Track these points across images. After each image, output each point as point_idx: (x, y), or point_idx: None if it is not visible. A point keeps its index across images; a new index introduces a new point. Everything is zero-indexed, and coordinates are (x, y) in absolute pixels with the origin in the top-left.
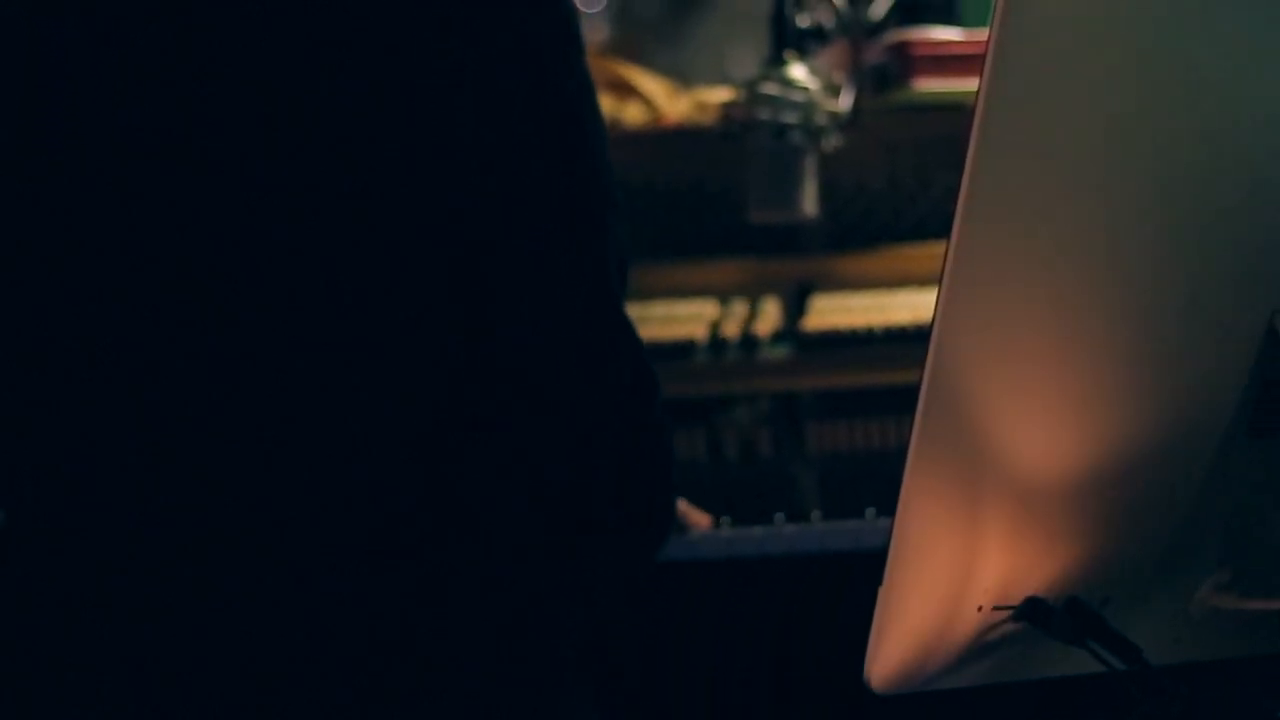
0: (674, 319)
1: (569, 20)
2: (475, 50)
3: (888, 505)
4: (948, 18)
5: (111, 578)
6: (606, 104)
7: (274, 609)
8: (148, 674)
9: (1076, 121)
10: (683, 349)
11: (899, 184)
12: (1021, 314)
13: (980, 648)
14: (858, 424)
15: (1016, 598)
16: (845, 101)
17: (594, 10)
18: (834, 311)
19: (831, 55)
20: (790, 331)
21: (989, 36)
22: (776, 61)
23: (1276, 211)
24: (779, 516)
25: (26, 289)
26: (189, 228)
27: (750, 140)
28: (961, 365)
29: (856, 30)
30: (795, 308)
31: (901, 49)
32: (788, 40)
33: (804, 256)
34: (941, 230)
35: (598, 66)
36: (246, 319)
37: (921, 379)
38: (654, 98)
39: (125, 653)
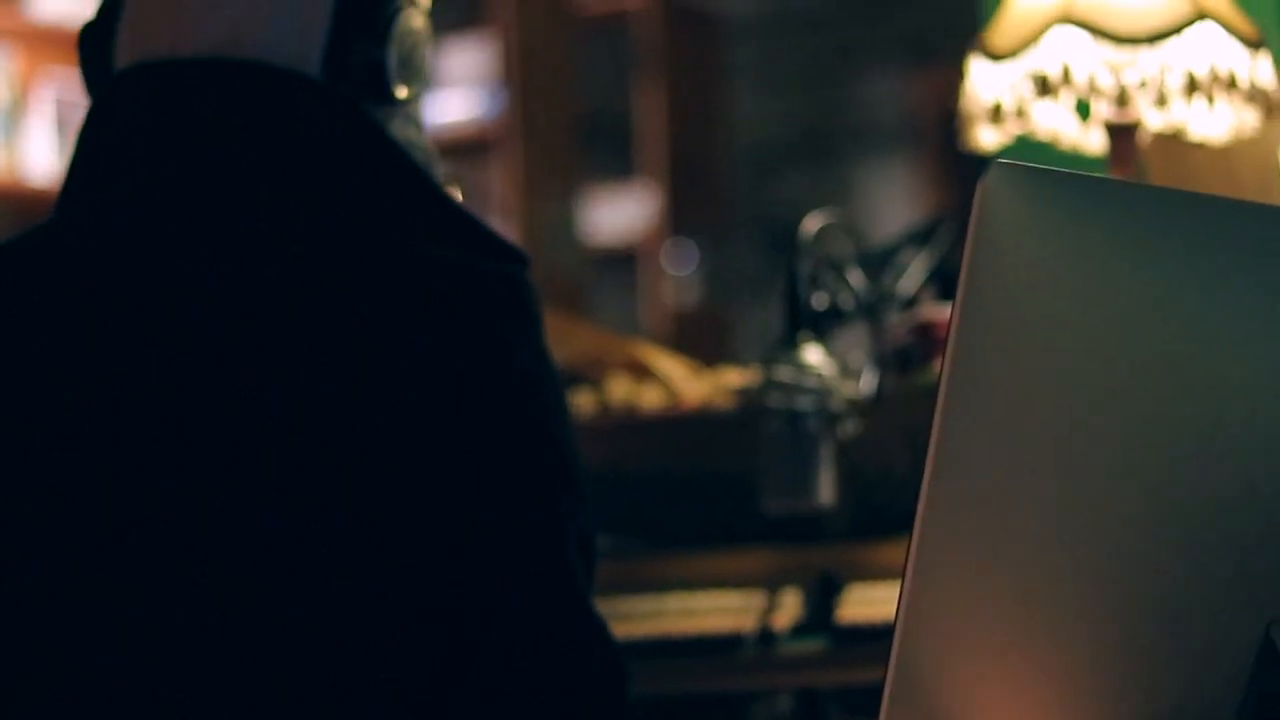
0: (691, 612)
1: (522, 299)
2: (422, 337)
3: None
4: None
5: None
6: (624, 388)
7: None
8: None
9: (1047, 415)
10: (697, 644)
11: (924, 470)
12: (989, 614)
13: None
14: None
15: None
16: (866, 385)
17: (687, 272)
18: (858, 604)
19: (853, 335)
20: (812, 624)
21: (950, 323)
22: (789, 344)
23: (1271, 513)
24: None
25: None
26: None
27: (763, 426)
28: (927, 666)
29: (878, 310)
30: (817, 599)
31: (925, 330)
32: (802, 321)
33: (826, 545)
34: None
35: (615, 348)
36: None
37: (885, 676)
38: (671, 380)
39: None
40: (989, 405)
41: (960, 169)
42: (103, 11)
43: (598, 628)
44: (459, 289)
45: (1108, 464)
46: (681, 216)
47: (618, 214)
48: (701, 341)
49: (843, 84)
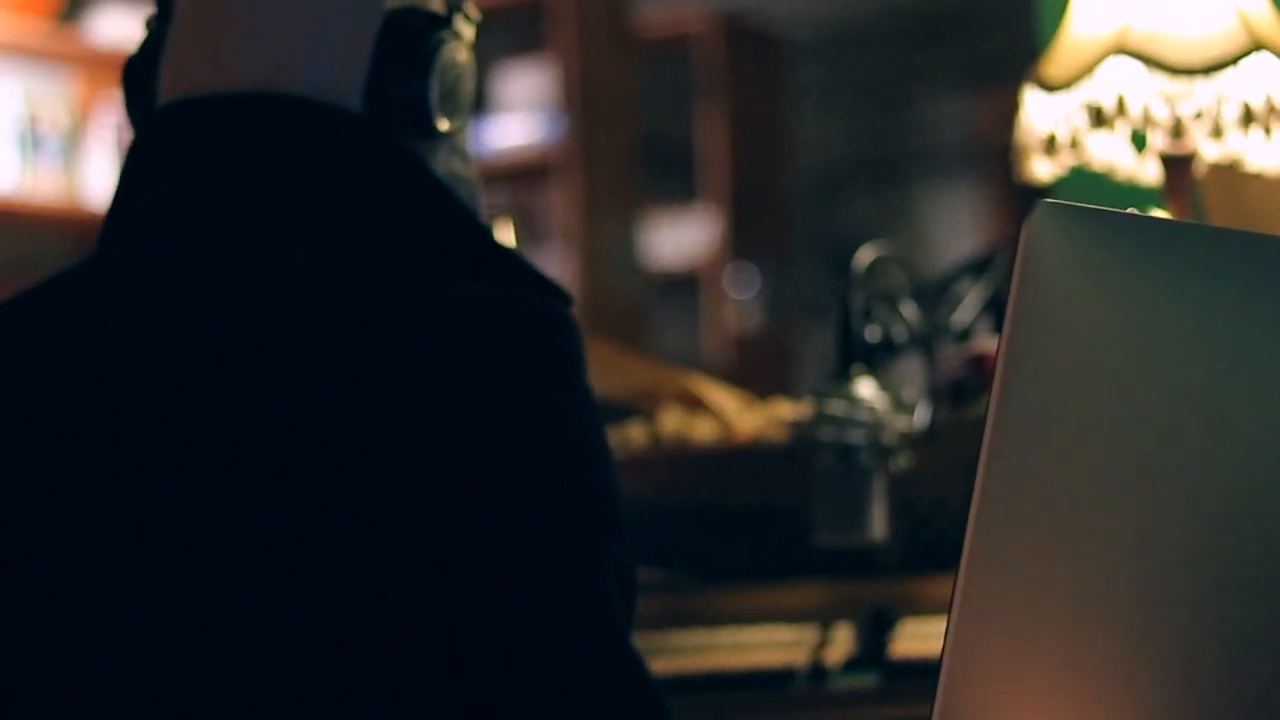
0: (742, 647)
1: (561, 334)
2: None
3: None
4: None
5: None
6: (676, 420)
7: None
8: None
9: (1093, 454)
10: (749, 679)
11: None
12: (1036, 649)
13: None
14: None
15: None
16: (919, 418)
17: (748, 296)
18: (910, 638)
19: (907, 368)
20: (864, 659)
21: (996, 362)
22: (842, 377)
23: None
24: None
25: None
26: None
27: (815, 460)
28: (973, 703)
29: (931, 342)
30: (869, 634)
31: (979, 363)
32: (855, 354)
33: (878, 580)
34: None
35: (667, 380)
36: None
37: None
38: (724, 413)
39: None
40: (1035, 444)
41: (1025, 193)
42: (145, 46)
43: (635, 662)
44: (492, 319)
45: (1155, 501)
46: (743, 240)
47: (679, 238)
48: (763, 365)
49: (906, 107)
